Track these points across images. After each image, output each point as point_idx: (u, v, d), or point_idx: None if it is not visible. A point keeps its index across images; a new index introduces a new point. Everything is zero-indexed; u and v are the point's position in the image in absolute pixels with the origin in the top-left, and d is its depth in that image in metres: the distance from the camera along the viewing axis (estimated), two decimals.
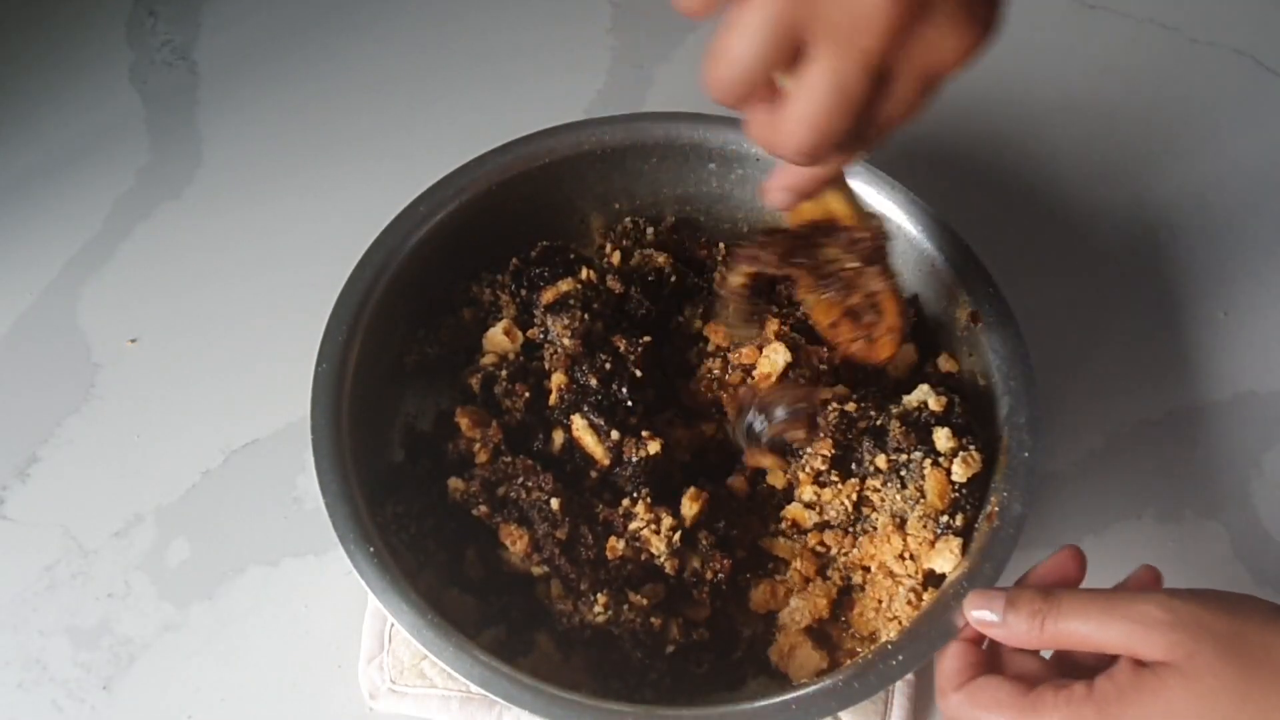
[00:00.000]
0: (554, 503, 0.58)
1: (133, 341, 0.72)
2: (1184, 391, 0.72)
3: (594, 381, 0.61)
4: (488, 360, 0.65)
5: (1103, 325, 0.74)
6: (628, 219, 0.70)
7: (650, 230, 0.70)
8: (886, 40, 0.38)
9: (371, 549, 0.54)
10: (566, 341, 0.62)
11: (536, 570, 0.58)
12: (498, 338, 0.65)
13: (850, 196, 0.54)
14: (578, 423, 0.60)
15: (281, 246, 0.76)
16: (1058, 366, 0.71)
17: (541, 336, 0.64)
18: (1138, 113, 0.84)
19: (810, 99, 0.39)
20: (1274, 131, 0.83)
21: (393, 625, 0.60)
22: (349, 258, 0.62)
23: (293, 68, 0.85)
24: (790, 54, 0.39)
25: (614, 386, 0.61)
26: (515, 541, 0.58)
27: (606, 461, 0.59)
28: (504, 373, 0.63)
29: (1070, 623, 0.46)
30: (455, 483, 0.60)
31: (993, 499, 0.56)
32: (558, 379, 0.61)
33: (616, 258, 0.68)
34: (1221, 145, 0.82)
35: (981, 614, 0.49)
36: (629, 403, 0.61)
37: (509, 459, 0.60)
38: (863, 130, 0.41)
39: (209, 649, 0.62)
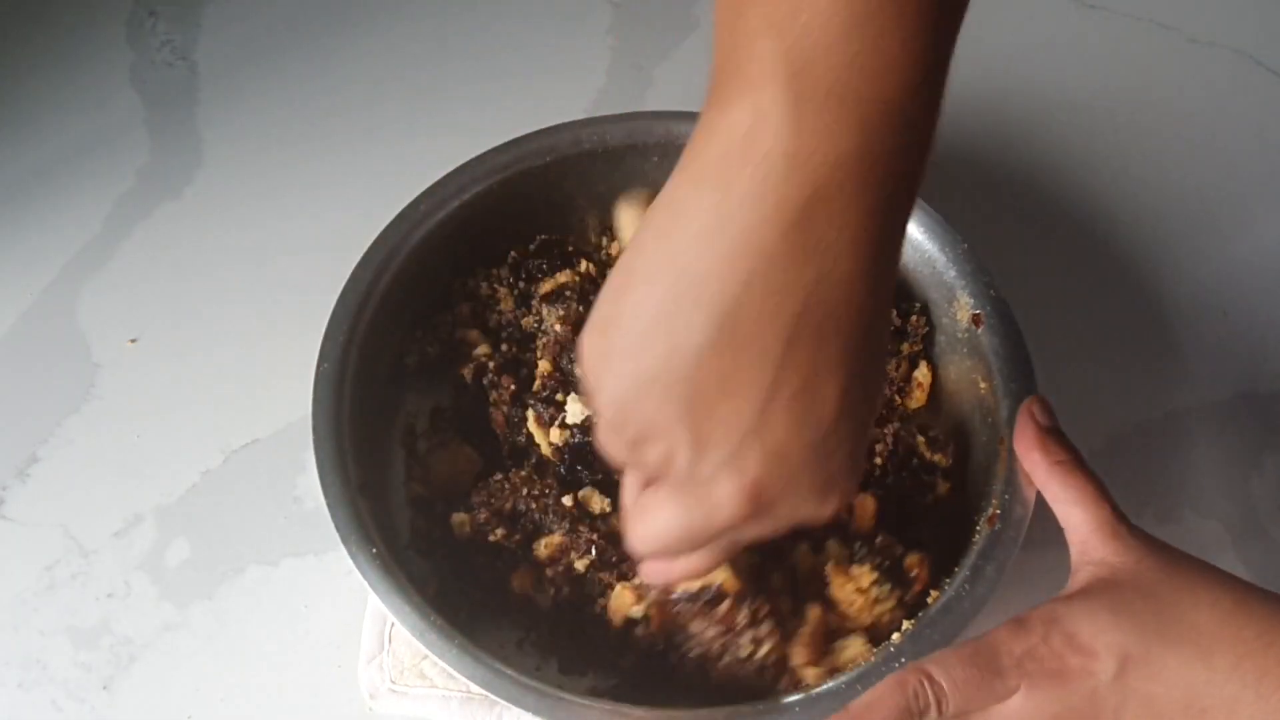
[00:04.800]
0: (566, 500, 0.58)
1: (133, 341, 0.72)
2: (1184, 391, 0.72)
3: (578, 369, 0.61)
4: (480, 351, 0.65)
5: (1103, 325, 0.74)
6: None
7: None
8: (730, 525, 0.40)
9: (374, 550, 0.53)
10: (558, 328, 0.62)
11: (579, 564, 0.58)
12: (474, 338, 0.66)
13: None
14: (529, 415, 0.61)
15: (282, 246, 0.76)
16: (1058, 366, 0.71)
17: (535, 326, 0.64)
18: (1137, 112, 0.84)
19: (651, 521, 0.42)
20: (1274, 131, 0.83)
21: (393, 625, 0.60)
22: (349, 257, 0.62)
23: (293, 67, 0.85)
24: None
25: None
26: (547, 548, 0.58)
27: (551, 455, 0.60)
28: (492, 364, 0.64)
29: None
30: (460, 518, 0.60)
31: (994, 501, 0.56)
32: (543, 366, 0.62)
33: (615, 249, 0.68)
34: (1221, 145, 0.82)
35: None
36: None
37: (500, 479, 0.60)
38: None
39: (209, 649, 0.62)
